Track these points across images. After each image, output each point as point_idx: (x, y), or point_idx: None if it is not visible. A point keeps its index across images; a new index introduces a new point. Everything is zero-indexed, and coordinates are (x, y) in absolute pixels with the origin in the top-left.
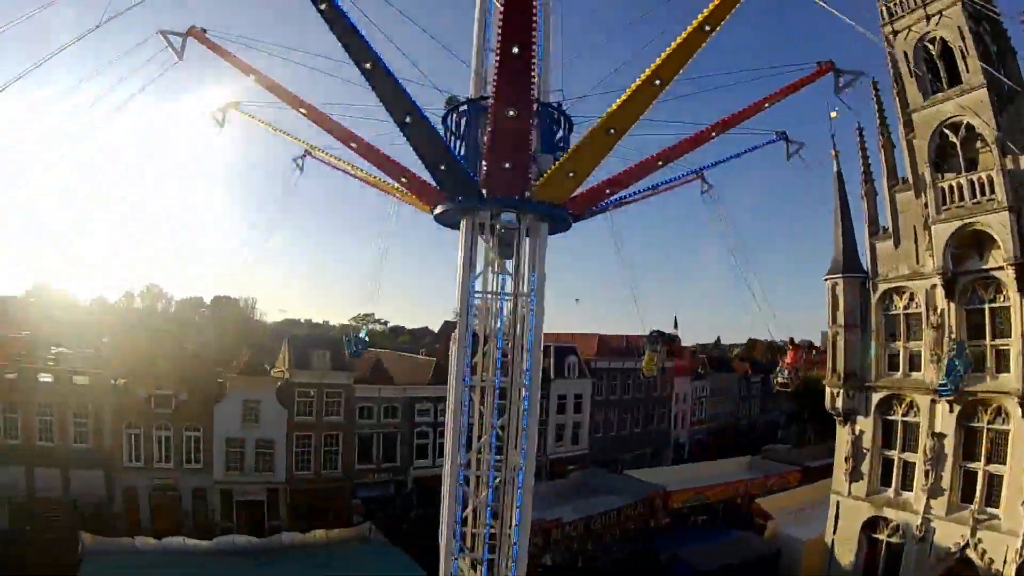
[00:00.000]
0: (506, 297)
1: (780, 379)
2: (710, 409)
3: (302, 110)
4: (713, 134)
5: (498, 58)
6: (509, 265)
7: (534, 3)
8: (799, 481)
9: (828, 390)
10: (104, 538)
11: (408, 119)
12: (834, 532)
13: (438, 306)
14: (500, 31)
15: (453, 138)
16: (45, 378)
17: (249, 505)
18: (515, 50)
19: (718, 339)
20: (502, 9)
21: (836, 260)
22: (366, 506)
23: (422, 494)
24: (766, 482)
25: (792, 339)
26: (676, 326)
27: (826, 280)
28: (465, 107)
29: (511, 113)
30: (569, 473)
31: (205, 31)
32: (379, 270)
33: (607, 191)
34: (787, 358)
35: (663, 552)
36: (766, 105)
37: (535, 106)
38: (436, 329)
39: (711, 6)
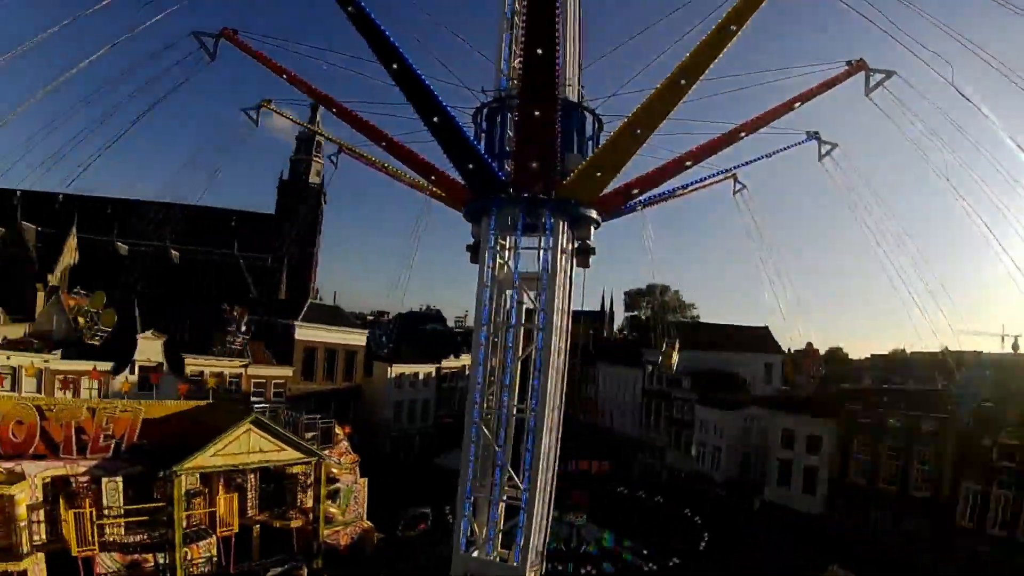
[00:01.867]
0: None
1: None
2: None
3: (333, 109)
4: (742, 134)
5: (521, 59)
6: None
7: (557, 5)
8: None
9: None
10: None
11: (436, 119)
12: None
13: None
14: (523, 33)
15: (482, 136)
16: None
17: None
18: (539, 51)
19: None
20: (525, 11)
21: None
22: None
23: None
24: None
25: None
26: None
27: None
28: (494, 106)
29: (536, 113)
30: None
31: (236, 32)
32: None
33: (636, 190)
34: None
35: None
36: (796, 105)
37: (562, 105)
38: None
39: (735, 6)
